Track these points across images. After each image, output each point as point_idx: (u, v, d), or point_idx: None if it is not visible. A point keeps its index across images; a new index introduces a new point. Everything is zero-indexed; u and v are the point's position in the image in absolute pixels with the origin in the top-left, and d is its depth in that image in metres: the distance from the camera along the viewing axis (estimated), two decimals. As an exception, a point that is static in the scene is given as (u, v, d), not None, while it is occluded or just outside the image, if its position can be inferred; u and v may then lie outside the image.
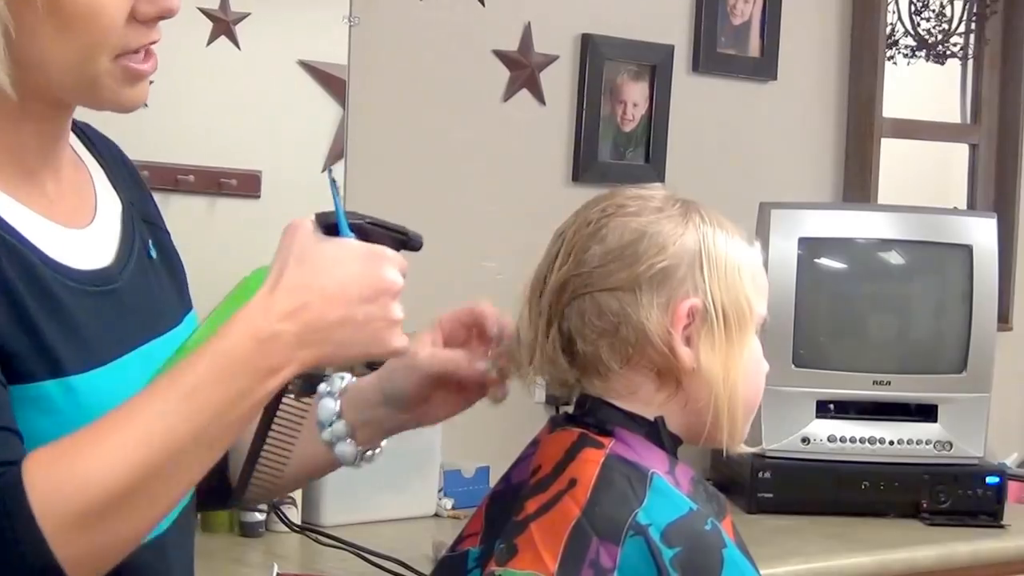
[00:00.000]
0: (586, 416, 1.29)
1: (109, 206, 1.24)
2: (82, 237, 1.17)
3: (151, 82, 1.17)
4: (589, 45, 2.91)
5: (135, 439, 1.00)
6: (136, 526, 1.02)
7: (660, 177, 2.98)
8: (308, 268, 1.07)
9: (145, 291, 1.21)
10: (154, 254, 1.26)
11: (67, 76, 1.12)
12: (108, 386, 1.10)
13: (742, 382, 1.28)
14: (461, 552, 1.31)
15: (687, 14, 3.06)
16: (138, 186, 1.31)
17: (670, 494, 1.23)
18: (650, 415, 1.28)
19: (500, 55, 2.83)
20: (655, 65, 3.00)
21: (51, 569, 0.98)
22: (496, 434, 2.67)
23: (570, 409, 1.32)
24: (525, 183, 2.84)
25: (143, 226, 1.27)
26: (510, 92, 2.84)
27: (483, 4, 2.78)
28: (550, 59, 2.88)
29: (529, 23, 2.84)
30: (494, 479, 1.41)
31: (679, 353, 1.25)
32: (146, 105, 1.20)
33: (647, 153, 3.00)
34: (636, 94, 2.98)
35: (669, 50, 3.02)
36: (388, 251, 1.11)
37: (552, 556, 1.17)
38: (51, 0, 1.07)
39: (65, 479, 0.98)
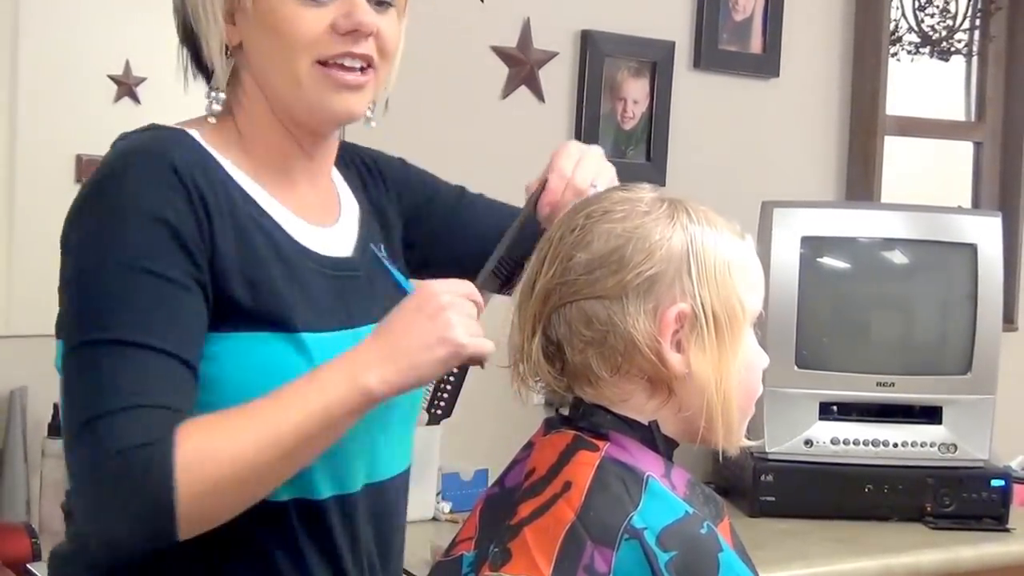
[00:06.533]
0: (580, 420, 1.26)
1: (350, 211, 1.51)
2: (326, 233, 1.44)
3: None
4: (589, 41, 2.89)
5: (267, 433, 1.23)
6: (244, 500, 1.25)
7: (661, 175, 2.95)
8: (388, 322, 1.31)
9: (375, 282, 1.47)
10: (381, 253, 1.51)
11: (279, 80, 1.37)
12: (328, 349, 1.32)
13: (736, 385, 1.25)
14: (456, 557, 1.29)
15: (688, 10, 3.04)
16: (383, 192, 1.58)
17: (666, 497, 1.21)
18: (644, 420, 1.25)
19: (499, 52, 2.80)
20: (656, 62, 2.97)
21: (168, 521, 1.19)
22: (495, 436, 2.65)
23: (565, 411, 1.30)
24: (524, 182, 2.81)
25: (376, 228, 1.53)
26: (509, 89, 2.82)
27: (482, 0, 2.75)
28: (549, 56, 2.85)
29: (528, 19, 2.82)
30: (493, 482, 1.39)
31: (668, 361, 1.22)
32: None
33: (648, 151, 2.98)
34: (637, 91, 2.96)
35: (670, 47, 2.99)
36: (434, 283, 1.31)
37: (546, 561, 1.16)
38: (260, 11, 1.35)
39: (208, 453, 1.21)
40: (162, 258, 1.26)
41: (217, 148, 1.39)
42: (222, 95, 1.40)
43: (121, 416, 1.19)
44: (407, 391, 1.30)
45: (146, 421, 1.19)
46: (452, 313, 1.28)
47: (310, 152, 1.44)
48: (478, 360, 1.31)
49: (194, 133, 1.40)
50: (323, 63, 1.35)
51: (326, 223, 1.46)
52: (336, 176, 1.53)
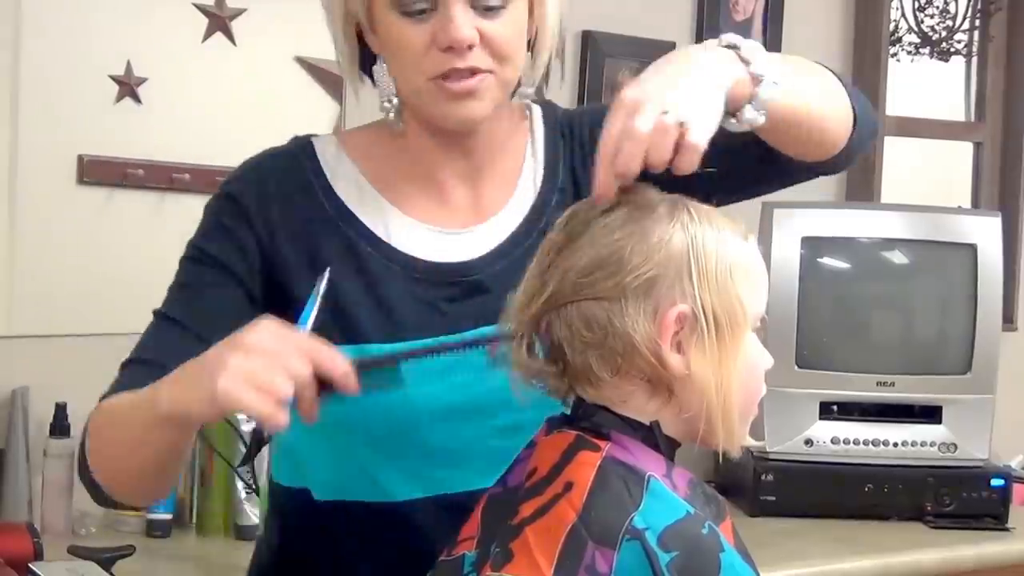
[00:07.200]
0: (582, 420, 1.26)
1: (516, 207, 1.45)
2: (456, 238, 1.42)
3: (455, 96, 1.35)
4: (590, 42, 2.89)
5: (119, 428, 1.32)
6: (106, 474, 1.34)
7: (661, 176, 2.95)
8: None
9: (512, 283, 1.36)
10: None
11: (406, 91, 1.40)
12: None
13: (736, 386, 1.24)
14: (457, 556, 1.29)
15: (689, 11, 3.04)
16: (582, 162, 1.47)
17: (667, 497, 1.21)
18: (645, 420, 1.25)
19: (499, 52, 2.80)
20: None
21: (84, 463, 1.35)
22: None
23: (567, 410, 1.30)
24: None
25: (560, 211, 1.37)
26: (509, 90, 2.82)
27: (482, 1, 2.75)
28: (550, 56, 2.85)
29: (529, 20, 2.82)
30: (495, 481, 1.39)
31: (668, 362, 1.22)
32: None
33: (648, 151, 2.98)
34: (637, 92, 2.95)
35: (671, 47, 2.98)
36: (268, 322, 1.19)
37: (548, 561, 1.15)
38: (376, 28, 1.38)
39: (97, 418, 1.34)
40: (210, 246, 1.40)
41: (351, 155, 1.45)
42: (394, 99, 1.41)
43: (118, 373, 1.37)
44: (189, 418, 1.22)
45: (123, 374, 1.36)
46: (238, 357, 1.14)
47: (464, 152, 1.43)
48: (249, 413, 1.15)
49: (323, 143, 1.46)
50: (433, 77, 1.35)
51: (468, 225, 1.44)
52: (529, 165, 1.48)
